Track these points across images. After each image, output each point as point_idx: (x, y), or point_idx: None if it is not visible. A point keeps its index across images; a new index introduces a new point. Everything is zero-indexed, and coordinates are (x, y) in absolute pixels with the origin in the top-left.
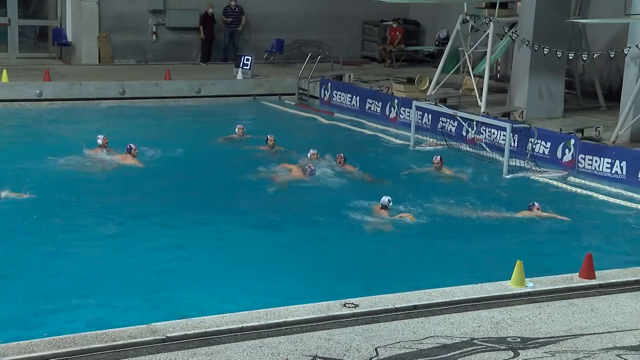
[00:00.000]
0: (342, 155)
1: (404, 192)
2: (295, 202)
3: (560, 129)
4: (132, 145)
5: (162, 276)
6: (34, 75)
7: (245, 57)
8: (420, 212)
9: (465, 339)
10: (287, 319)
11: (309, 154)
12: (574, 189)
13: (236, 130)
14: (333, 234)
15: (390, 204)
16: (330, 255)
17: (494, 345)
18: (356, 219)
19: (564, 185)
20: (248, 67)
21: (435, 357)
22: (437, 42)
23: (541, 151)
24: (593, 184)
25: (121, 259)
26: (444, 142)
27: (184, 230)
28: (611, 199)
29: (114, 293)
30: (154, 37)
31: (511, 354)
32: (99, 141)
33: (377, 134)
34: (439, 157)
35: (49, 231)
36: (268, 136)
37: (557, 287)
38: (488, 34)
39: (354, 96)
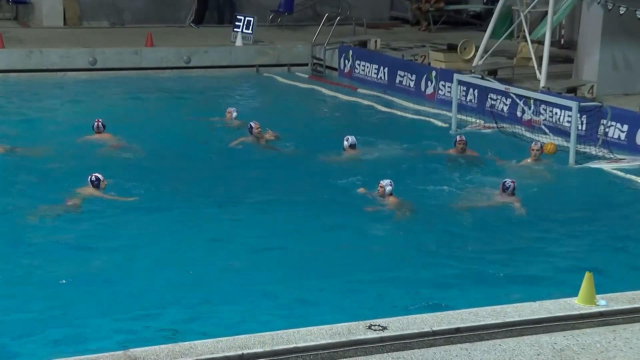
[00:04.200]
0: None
1: (439, 181)
2: (302, 201)
3: None
4: (100, 177)
5: (144, 290)
6: None
7: (246, 18)
8: (456, 209)
9: None
10: (298, 345)
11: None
12: None
13: (226, 113)
14: (349, 238)
15: (388, 187)
16: (348, 265)
17: None
18: (376, 220)
19: None
20: (249, 31)
21: None
22: (485, 0)
23: (616, 135)
24: None
25: (94, 267)
26: (494, 124)
27: (168, 233)
28: None
29: (85, 309)
30: None
31: None
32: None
33: (410, 115)
34: (463, 138)
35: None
36: (251, 123)
37: (636, 305)
38: None
39: (381, 67)
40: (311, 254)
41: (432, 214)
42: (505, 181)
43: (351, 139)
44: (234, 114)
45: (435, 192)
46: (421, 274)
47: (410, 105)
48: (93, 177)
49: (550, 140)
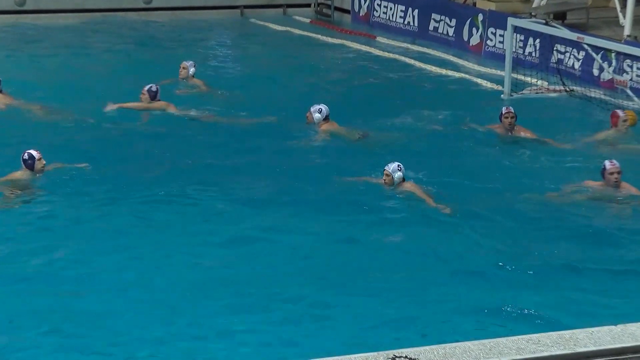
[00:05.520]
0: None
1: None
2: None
3: None
4: (34, 155)
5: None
6: None
7: None
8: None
9: None
10: None
11: None
12: None
13: (180, 69)
14: (355, 244)
15: (397, 173)
16: (361, 278)
17: None
18: (393, 218)
19: None
20: None
21: None
22: None
23: None
24: None
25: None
26: (562, 87)
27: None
28: None
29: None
30: None
31: None
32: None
33: (449, 72)
34: (511, 110)
35: None
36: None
37: None
38: None
39: (410, 9)
40: (311, 267)
41: (467, 211)
42: (608, 164)
43: (324, 109)
44: (191, 70)
45: (475, 185)
46: (459, 290)
47: (449, 59)
48: (26, 154)
49: (632, 108)
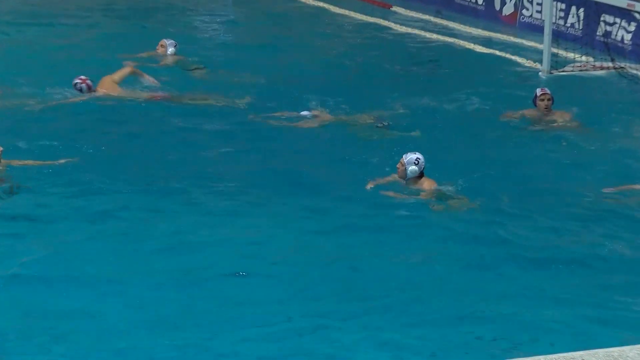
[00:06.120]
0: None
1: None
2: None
3: None
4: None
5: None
6: None
7: None
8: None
9: None
10: None
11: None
12: None
13: (158, 47)
14: (365, 253)
15: (412, 167)
16: (372, 297)
17: None
18: (407, 220)
19: None
20: None
21: None
22: None
23: None
24: None
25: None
26: (610, 63)
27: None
28: None
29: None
30: None
31: None
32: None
33: (477, 47)
34: (547, 91)
35: None
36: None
37: None
38: None
39: None
40: (310, 278)
41: (495, 209)
42: None
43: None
44: (170, 50)
45: (504, 179)
46: (489, 306)
47: (478, 32)
48: None
49: None
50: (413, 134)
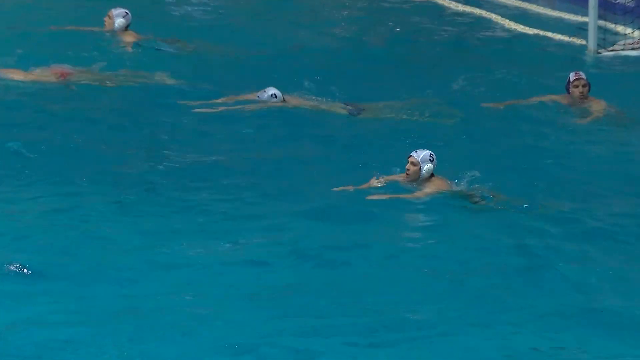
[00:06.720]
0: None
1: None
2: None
3: None
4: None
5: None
6: None
7: None
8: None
9: None
10: None
11: None
12: None
13: (105, 20)
14: (368, 261)
15: (428, 164)
16: (381, 311)
17: None
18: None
19: None
20: None
21: None
22: None
23: None
24: None
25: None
26: None
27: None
28: None
29: None
30: None
31: None
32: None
33: (508, 23)
34: (583, 76)
35: None
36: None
37: None
38: None
39: None
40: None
41: (522, 208)
42: None
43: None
44: (118, 22)
45: (530, 174)
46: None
47: (511, 3)
48: None
49: None
50: (446, 120)
